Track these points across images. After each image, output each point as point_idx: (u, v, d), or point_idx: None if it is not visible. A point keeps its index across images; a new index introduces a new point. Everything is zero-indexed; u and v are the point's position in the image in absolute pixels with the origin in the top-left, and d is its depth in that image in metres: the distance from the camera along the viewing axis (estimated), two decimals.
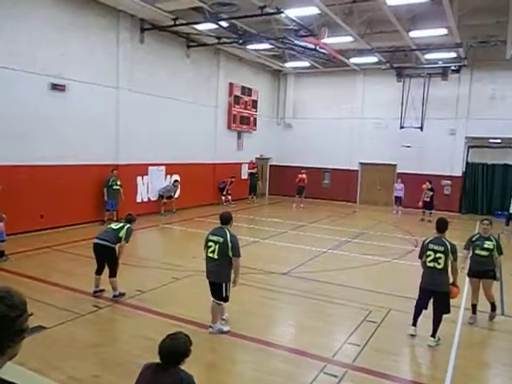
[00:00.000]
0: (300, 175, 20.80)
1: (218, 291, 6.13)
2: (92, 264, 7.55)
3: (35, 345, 5.17)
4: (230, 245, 5.98)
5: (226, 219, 6.26)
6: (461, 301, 7.94)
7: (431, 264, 6.15)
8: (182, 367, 3.08)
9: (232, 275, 6.14)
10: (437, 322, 6.08)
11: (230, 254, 5.99)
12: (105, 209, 13.63)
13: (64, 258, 9.98)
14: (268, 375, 5.16)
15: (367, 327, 6.57)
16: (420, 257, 6.44)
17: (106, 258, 7.38)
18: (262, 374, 5.20)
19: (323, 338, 6.30)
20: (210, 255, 6.11)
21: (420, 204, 17.69)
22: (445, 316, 7.21)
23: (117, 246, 7.38)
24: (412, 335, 6.33)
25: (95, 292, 7.55)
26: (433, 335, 6.06)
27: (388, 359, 5.66)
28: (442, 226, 6.34)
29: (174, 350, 3.04)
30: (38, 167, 11.89)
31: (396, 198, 19.72)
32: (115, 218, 13.18)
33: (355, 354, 5.75)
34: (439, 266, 6.08)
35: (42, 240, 11.20)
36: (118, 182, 13.69)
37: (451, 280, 6.27)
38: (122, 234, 7.37)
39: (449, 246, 6.12)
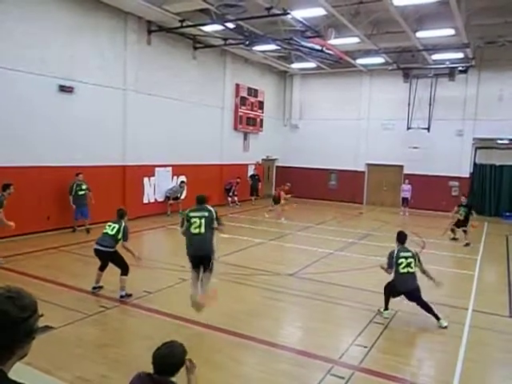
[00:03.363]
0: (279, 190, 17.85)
1: (208, 263, 6.46)
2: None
3: (42, 345, 5.19)
4: (214, 216, 6.43)
5: (203, 198, 6.69)
6: (468, 303, 7.91)
7: (405, 270, 6.79)
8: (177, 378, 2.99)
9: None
10: (429, 309, 6.68)
11: (215, 224, 6.43)
12: (75, 217, 12.51)
13: (71, 258, 10.04)
14: (274, 376, 5.16)
15: (374, 329, 6.54)
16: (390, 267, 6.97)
17: (111, 261, 7.49)
18: (269, 375, 5.19)
19: (330, 340, 6.28)
20: (197, 231, 6.36)
21: (450, 220, 14.41)
22: (452, 318, 7.20)
23: (118, 246, 7.44)
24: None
25: (94, 288, 7.65)
26: (438, 318, 6.62)
27: (395, 361, 5.63)
28: (402, 238, 7.13)
29: (171, 358, 2.92)
30: (45, 168, 11.97)
31: (403, 199, 19.67)
32: (86, 226, 12.52)
33: (362, 355, 5.72)
34: (412, 270, 6.81)
35: (49, 241, 11.27)
36: (84, 186, 12.43)
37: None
38: (120, 236, 7.41)
39: (413, 251, 7.02)
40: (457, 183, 19.95)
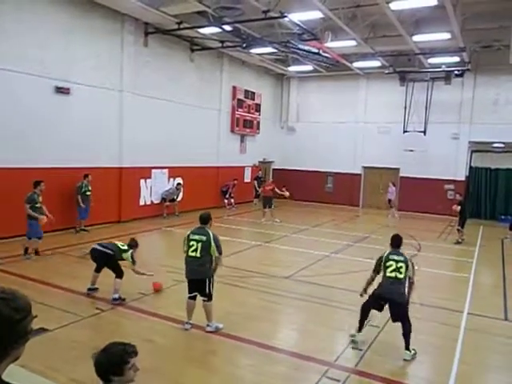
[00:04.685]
0: (267, 187, 17.71)
1: (203, 288, 6.27)
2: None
3: (37, 347, 5.16)
4: (213, 244, 6.20)
5: (205, 219, 6.46)
6: (464, 306, 7.93)
7: (392, 274, 5.93)
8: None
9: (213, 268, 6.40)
10: (408, 334, 5.74)
11: (215, 253, 6.23)
12: (79, 217, 12.62)
13: (67, 260, 10.00)
14: (270, 379, 5.15)
15: (369, 332, 6.53)
16: (376, 271, 6.21)
17: (107, 263, 7.49)
18: (264, 377, 5.18)
19: (325, 342, 6.28)
20: (193, 254, 6.24)
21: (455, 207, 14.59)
22: (448, 321, 7.22)
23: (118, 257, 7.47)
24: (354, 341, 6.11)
25: (89, 289, 7.66)
26: (407, 348, 5.73)
27: (390, 364, 5.64)
28: (397, 242, 6.30)
29: (105, 363, 2.69)
30: (42, 170, 11.89)
31: (388, 200, 19.91)
32: (83, 226, 12.68)
33: (357, 358, 5.73)
34: (400, 276, 5.89)
35: (45, 242, 11.20)
36: (90, 188, 12.67)
37: None
38: (126, 256, 7.42)
39: (407, 258, 6.10)
40: (452, 186, 20.00)
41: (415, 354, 5.77)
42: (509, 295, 8.78)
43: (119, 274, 7.42)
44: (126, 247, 7.51)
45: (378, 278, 6.19)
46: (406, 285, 5.93)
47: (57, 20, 12.14)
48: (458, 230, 14.30)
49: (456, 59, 17.56)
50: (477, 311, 7.68)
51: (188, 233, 6.43)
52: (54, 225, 12.27)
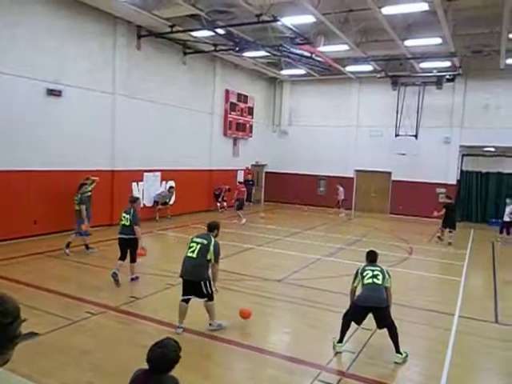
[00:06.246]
0: (239, 189, 17.78)
1: (199, 289, 6.27)
2: (85, 270, 7.58)
3: (27, 351, 5.12)
4: (211, 249, 6.27)
5: (212, 226, 6.63)
6: (455, 309, 7.98)
7: (370, 280, 5.87)
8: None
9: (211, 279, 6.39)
10: (396, 337, 5.73)
11: (210, 258, 6.26)
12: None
13: (57, 263, 9.91)
14: (262, 382, 5.14)
15: (361, 335, 6.54)
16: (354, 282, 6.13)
17: (130, 247, 8.47)
18: (257, 381, 5.17)
19: (318, 346, 6.28)
20: (190, 254, 6.33)
21: (435, 214, 15.09)
22: (439, 323, 7.25)
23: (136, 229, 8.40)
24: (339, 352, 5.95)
25: (115, 273, 8.25)
26: (398, 351, 5.72)
27: (382, 367, 5.65)
28: (371, 257, 6.28)
29: (165, 359, 2.96)
30: (33, 173, 11.84)
31: (340, 200, 20.84)
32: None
33: (349, 361, 5.74)
34: (378, 282, 5.86)
35: (36, 246, 11.12)
36: (90, 188, 11.64)
37: None
38: (132, 222, 8.40)
39: (384, 268, 6.10)
40: (444, 190, 20.14)
41: (407, 356, 5.78)
42: (499, 298, 8.86)
43: (134, 258, 8.51)
44: (127, 217, 8.44)
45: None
46: (384, 292, 5.88)
47: (49, 22, 12.09)
48: (442, 230, 14.53)
49: (447, 64, 17.74)
50: (468, 314, 7.73)
51: (192, 236, 6.63)
52: (50, 227, 12.26)
